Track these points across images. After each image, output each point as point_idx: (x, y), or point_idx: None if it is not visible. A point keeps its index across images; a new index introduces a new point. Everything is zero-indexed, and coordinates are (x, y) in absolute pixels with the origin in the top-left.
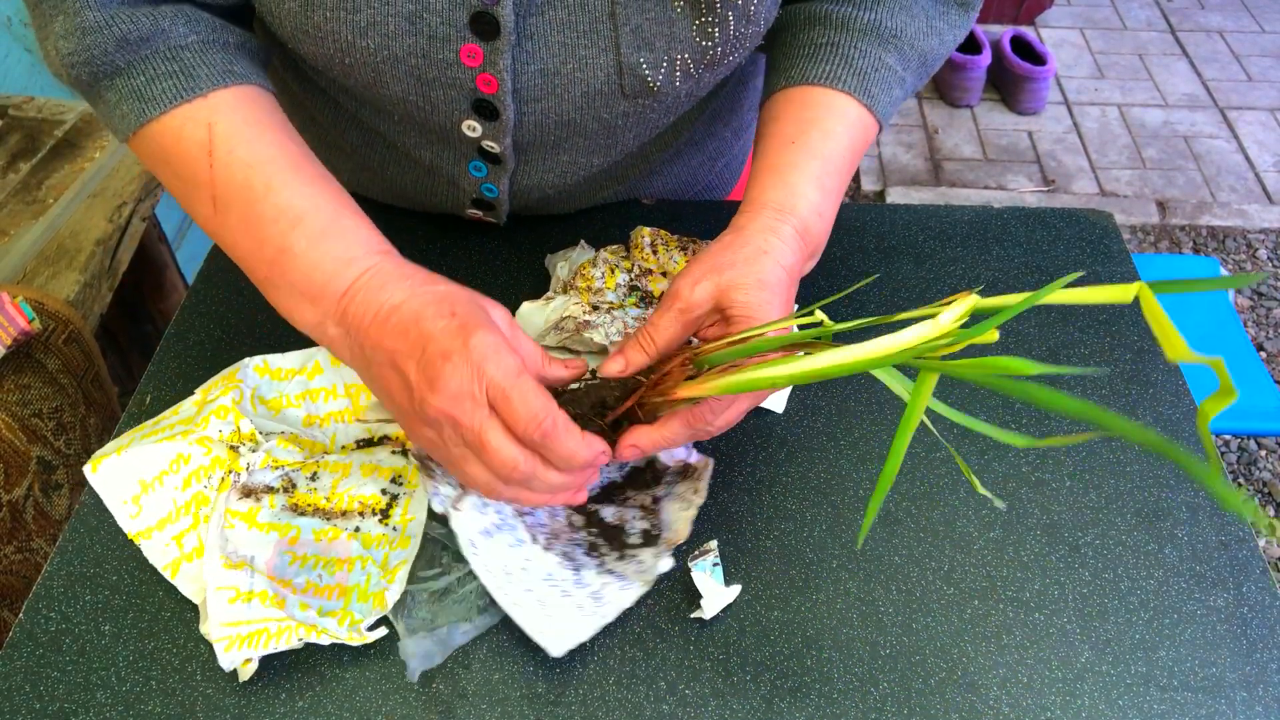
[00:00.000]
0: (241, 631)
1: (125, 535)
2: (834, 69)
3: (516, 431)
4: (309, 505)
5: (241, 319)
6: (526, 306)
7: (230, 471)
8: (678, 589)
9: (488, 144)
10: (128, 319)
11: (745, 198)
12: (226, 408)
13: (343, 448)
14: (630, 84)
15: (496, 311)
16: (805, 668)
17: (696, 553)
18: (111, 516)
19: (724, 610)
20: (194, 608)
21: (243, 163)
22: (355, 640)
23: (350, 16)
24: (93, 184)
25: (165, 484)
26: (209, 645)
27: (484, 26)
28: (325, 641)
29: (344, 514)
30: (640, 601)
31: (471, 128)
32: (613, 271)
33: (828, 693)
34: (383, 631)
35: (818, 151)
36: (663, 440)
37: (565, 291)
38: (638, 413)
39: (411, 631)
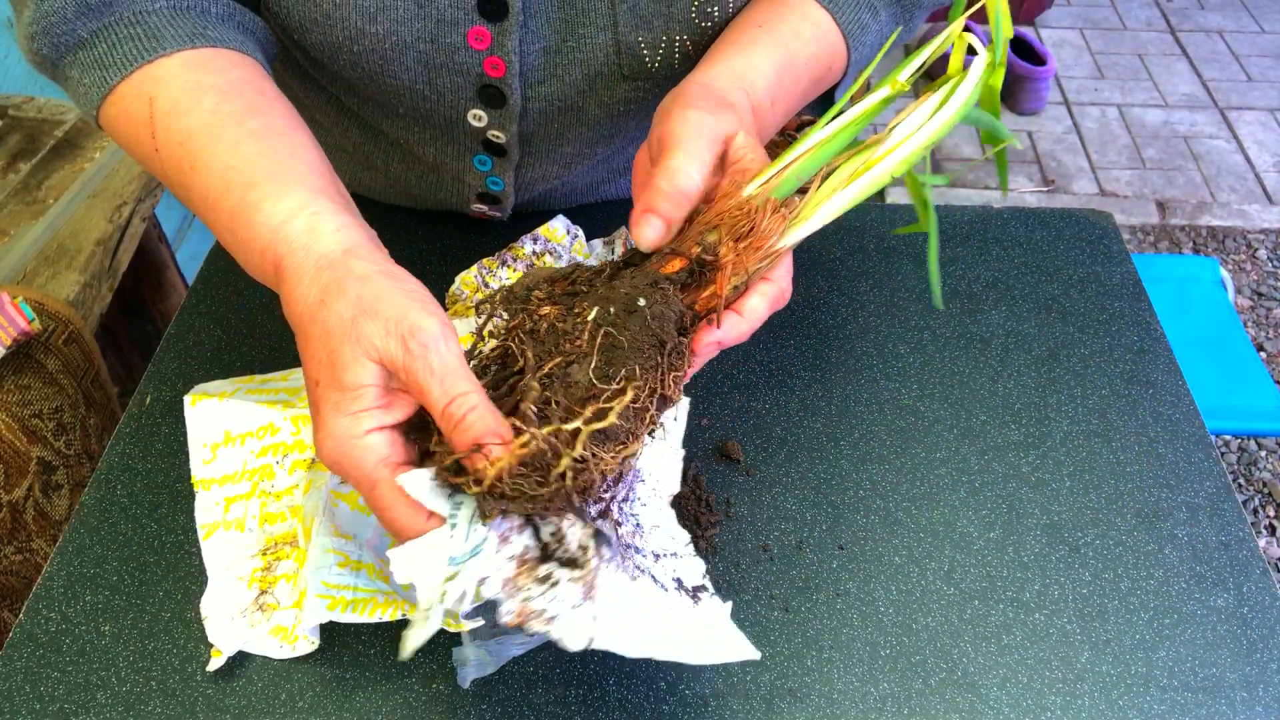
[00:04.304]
0: (347, 596)
1: (123, 537)
2: None
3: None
4: None
5: (241, 319)
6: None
7: (312, 464)
8: None
9: (493, 134)
10: (128, 319)
11: (700, 66)
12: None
13: None
14: (628, 64)
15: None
16: (805, 668)
17: None
18: (113, 517)
19: None
20: (195, 609)
21: (177, 139)
22: (452, 627)
23: (359, 2)
24: (93, 184)
25: (245, 445)
26: (209, 645)
27: (492, 8)
28: None
29: None
30: None
31: (477, 117)
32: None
33: (827, 693)
34: (480, 621)
35: (784, 44)
36: (749, 325)
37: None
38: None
39: (474, 637)
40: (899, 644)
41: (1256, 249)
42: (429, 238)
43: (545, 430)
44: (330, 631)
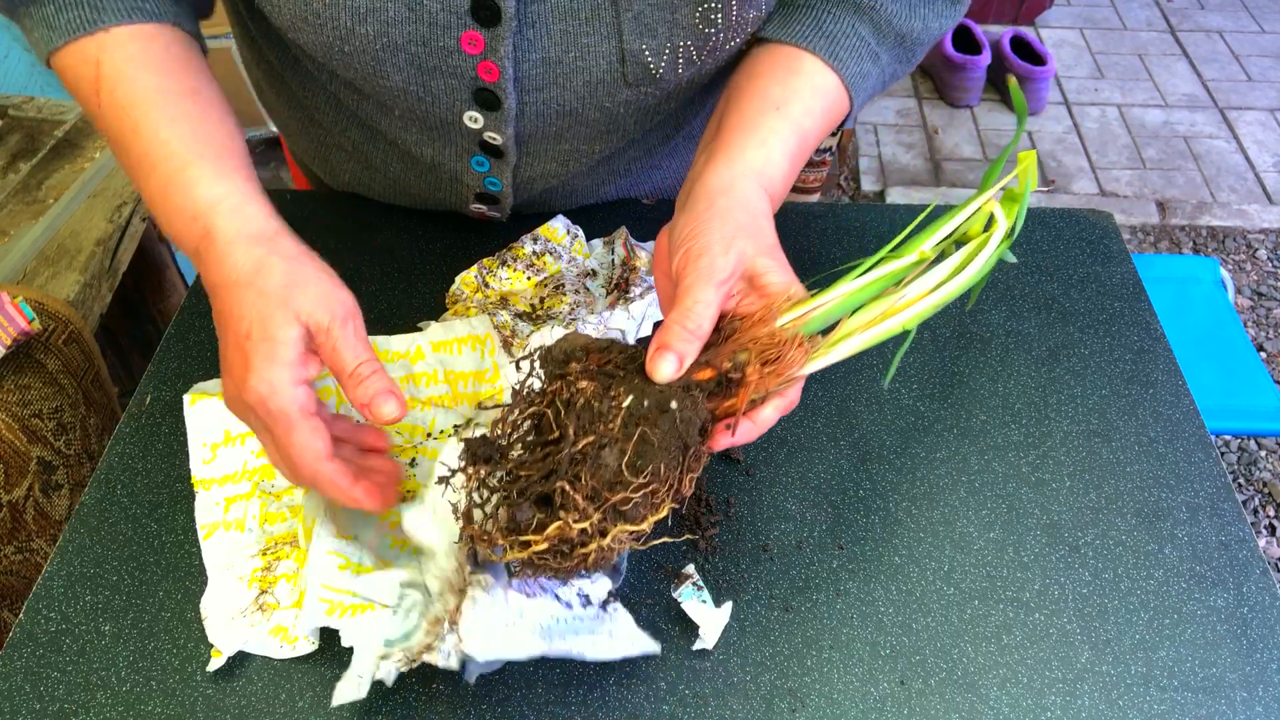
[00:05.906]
0: (346, 601)
1: (124, 537)
2: (805, 29)
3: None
4: (408, 491)
5: None
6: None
7: None
8: (671, 616)
9: (489, 136)
10: (128, 319)
11: (720, 147)
12: (331, 390)
13: (441, 432)
14: (632, 72)
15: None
16: (805, 668)
17: (676, 582)
18: (113, 517)
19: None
20: (195, 609)
21: (121, 105)
22: None
23: (349, 2)
24: (93, 184)
25: (245, 444)
26: (209, 645)
27: (485, 13)
28: None
29: None
30: (639, 604)
31: (473, 119)
32: (515, 272)
33: (828, 693)
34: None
35: (799, 126)
36: (758, 431)
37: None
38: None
39: None
40: (899, 644)
41: (1256, 249)
42: (429, 238)
43: (585, 522)
44: (330, 631)
